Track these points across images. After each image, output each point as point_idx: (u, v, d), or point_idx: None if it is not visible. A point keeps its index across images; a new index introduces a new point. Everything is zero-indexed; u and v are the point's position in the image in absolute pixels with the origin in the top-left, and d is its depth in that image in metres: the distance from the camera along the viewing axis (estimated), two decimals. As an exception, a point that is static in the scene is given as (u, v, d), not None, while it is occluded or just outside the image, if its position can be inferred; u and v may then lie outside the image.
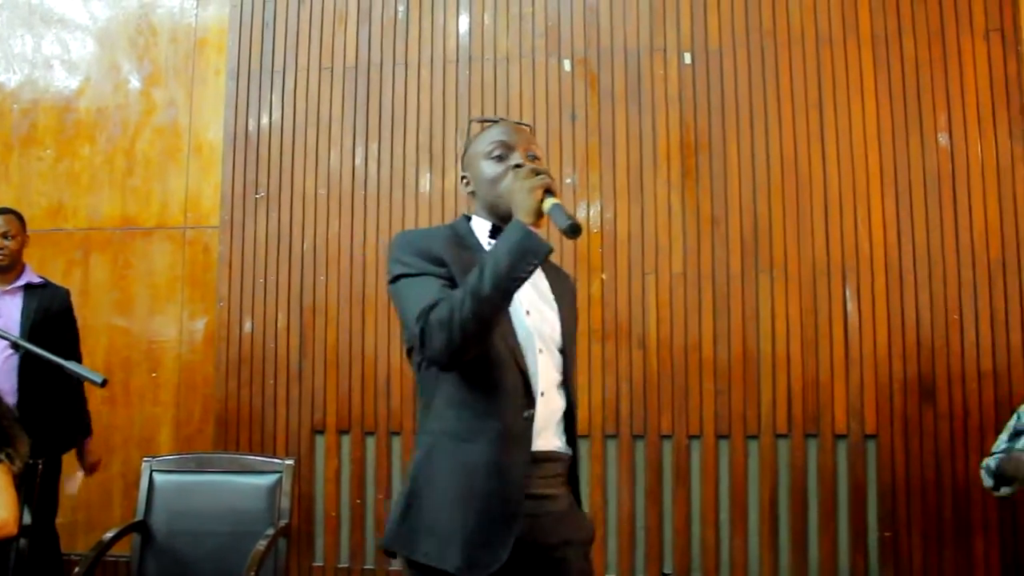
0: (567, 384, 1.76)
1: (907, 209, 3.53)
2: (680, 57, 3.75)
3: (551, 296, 1.80)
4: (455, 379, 1.66)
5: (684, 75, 3.74)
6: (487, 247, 1.76)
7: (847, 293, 3.52)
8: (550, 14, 3.87)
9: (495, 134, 1.78)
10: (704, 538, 3.52)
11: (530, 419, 1.65)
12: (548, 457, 1.70)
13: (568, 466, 1.78)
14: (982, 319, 3.44)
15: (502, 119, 1.86)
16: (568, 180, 3.75)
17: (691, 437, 3.57)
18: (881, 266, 3.52)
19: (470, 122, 1.95)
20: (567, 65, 3.83)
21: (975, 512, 3.37)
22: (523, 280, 1.54)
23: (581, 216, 3.71)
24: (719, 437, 3.55)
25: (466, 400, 1.65)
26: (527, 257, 1.53)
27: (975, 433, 3.39)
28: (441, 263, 1.67)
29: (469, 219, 1.85)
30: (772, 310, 3.56)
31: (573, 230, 1.50)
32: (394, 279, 1.70)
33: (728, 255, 3.62)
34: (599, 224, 3.71)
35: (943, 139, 3.54)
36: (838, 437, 3.48)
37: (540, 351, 1.71)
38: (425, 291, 1.63)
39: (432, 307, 1.58)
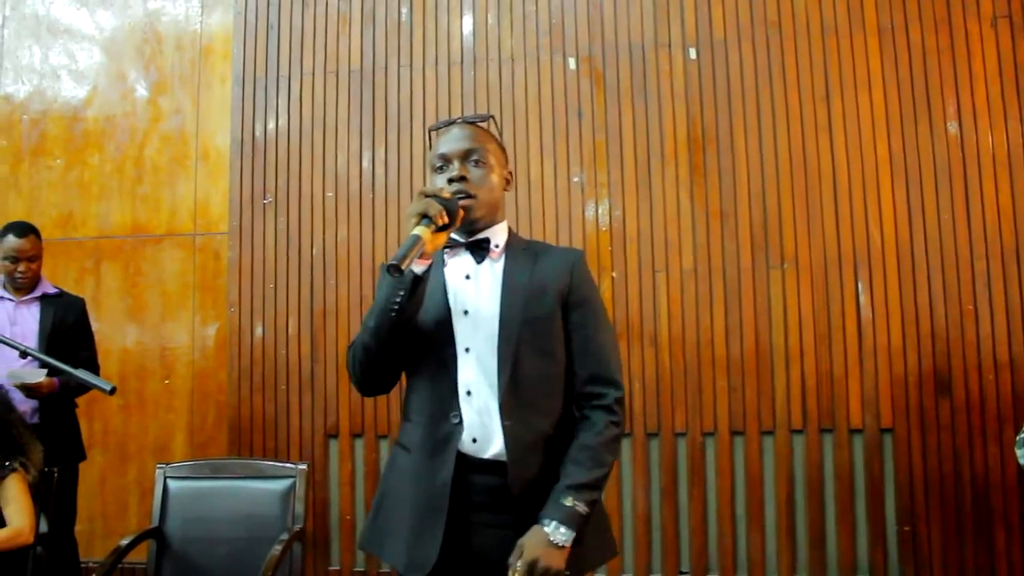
0: (515, 380, 1.65)
1: (918, 199, 3.50)
2: (685, 52, 3.73)
3: (498, 290, 1.71)
4: (408, 394, 1.77)
5: (690, 70, 3.72)
6: (445, 259, 1.76)
7: (859, 285, 3.49)
8: (553, 13, 3.86)
9: (440, 143, 1.75)
10: (721, 536, 3.50)
11: (457, 422, 1.65)
12: (484, 466, 1.64)
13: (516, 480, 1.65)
14: (997, 309, 3.40)
15: (457, 120, 1.80)
16: (576, 179, 3.74)
17: (705, 434, 3.55)
18: (893, 257, 3.49)
19: (428, 131, 1.89)
20: (572, 63, 3.81)
21: (996, 504, 3.33)
22: (397, 308, 1.58)
23: (590, 215, 3.70)
24: (734, 433, 3.53)
25: (410, 412, 1.76)
26: (396, 287, 1.58)
27: (993, 425, 3.36)
28: None
29: None
30: (784, 304, 3.53)
31: (386, 269, 1.47)
32: None
33: (738, 250, 3.59)
34: (608, 222, 3.70)
35: (953, 127, 3.51)
36: (854, 431, 3.45)
37: (467, 350, 1.68)
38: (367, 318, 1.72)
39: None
